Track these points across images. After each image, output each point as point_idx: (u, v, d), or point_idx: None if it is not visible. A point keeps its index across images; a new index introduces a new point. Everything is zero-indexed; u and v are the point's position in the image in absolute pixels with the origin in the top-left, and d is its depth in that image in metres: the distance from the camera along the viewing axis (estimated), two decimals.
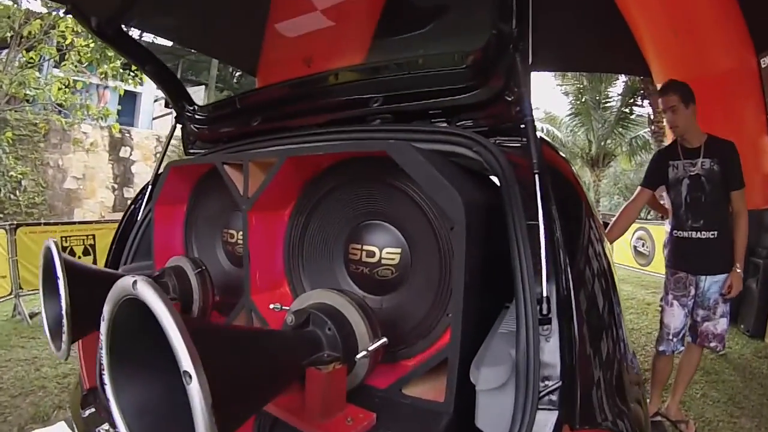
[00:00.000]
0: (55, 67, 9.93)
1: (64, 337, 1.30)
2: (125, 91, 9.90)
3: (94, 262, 6.42)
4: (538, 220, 1.06)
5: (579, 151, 18.47)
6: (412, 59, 1.65)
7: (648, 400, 3.18)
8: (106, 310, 0.81)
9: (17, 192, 10.74)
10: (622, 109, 16.38)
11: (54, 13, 8.61)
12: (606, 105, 16.95)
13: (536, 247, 1.04)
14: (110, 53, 8.27)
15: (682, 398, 3.29)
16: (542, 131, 18.74)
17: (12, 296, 6.09)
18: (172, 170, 1.91)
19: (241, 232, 1.78)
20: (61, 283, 1.28)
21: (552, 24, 5.62)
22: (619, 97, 16.44)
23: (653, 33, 5.43)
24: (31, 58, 8.64)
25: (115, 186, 13.24)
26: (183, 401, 0.72)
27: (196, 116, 2.30)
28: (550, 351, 0.96)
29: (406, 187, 1.31)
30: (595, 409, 0.99)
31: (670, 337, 3.03)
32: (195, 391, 0.66)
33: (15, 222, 6.41)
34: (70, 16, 2.00)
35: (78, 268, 1.42)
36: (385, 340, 1.15)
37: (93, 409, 1.86)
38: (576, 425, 0.92)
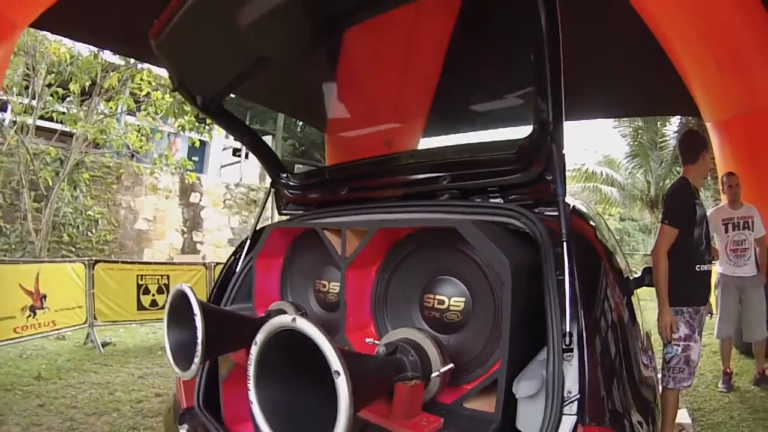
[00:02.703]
0: (128, 114, 10.62)
1: (196, 359, 1.59)
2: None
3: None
4: (564, 276, 1.41)
5: (638, 194, 18.36)
6: (474, 145, 2.07)
7: None
8: (259, 338, 1.17)
9: (93, 230, 11.36)
10: None
11: (131, 67, 9.43)
12: (662, 144, 16.88)
13: (563, 296, 1.39)
14: (187, 108, 8.95)
15: None
16: (601, 175, 18.81)
17: (86, 325, 6.66)
18: (274, 231, 2.30)
19: (332, 283, 2.20)
20: (198, 319, 1.59)
21: (600, 70, 5.80)
22: (675, 134, 16.20)
23: (697, 70, 5.33)
24: (111, 107, 9.43)
25: (185, 229, 13.74)
26: (310, 402, 1.14)
27: (289, 183, 2.72)
28: (572, 372, 1.29)
29: (469, 251, 1.70)
30: (605, 414, 1.33)
31: (693, 369, 3.25)
32: (341, 383, 1.01)
33: (94, 258, 6.96)
34: (176, 92, 2.30)
35: (206, 307, 1.69)
36: (452, 365, 1.54)
37: (187, 427, 2.15)
38: (587, 423, 1.25)
